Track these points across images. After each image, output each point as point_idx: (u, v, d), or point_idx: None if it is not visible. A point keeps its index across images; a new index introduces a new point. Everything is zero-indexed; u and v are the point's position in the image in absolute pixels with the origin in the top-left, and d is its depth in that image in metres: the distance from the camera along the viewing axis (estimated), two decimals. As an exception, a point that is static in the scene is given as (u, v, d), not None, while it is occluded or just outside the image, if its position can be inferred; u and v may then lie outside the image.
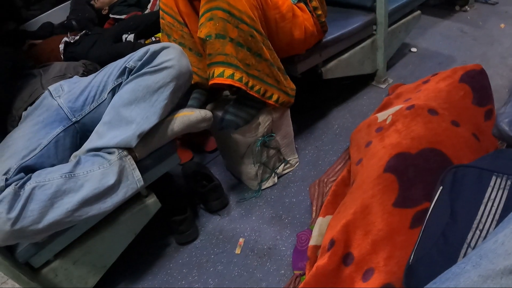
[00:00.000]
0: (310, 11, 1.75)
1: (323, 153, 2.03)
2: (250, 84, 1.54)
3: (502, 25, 3.07)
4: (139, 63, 1.41)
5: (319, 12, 1.77)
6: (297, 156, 1.98)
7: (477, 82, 1.77)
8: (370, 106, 2.23)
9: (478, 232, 0.97)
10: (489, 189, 1.04)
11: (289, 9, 1.64)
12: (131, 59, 1.44)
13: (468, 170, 1.12)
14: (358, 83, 2.55)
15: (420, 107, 1.56)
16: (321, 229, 1.50)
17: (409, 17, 2.66)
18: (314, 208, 1.69)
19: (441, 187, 1.14)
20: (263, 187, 1.88)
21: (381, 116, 1.66)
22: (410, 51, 2.97)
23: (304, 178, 1.91)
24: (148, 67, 1.39)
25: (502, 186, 1.03)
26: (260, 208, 1.82)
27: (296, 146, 2.03)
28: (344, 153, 1.92)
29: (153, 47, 1.41)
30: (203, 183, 1.83)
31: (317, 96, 2.48)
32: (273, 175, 1.89)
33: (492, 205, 1.01)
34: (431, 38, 3.24)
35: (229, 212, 1.84)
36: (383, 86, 2.50)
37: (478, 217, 1.00)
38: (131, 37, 2.48)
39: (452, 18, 3.74)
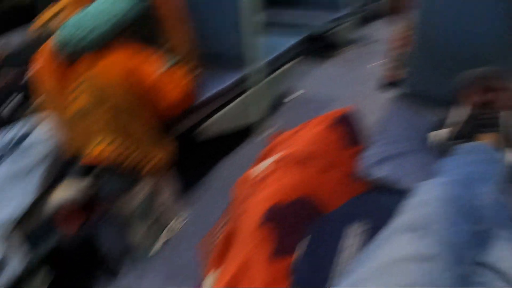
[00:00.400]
0: (180, 77, 1.82)
1: (208, 210, 2.08)
2: (125, 154, 1.58)
3: (376, 63, 3.28)
4: (11, 144, 1.41)
5: (190, 77, 1.84)
6: (184, 214, 2.01)
7: (347, 125, 1.89)
8: (252, 157, 2.29)
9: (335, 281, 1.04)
10: (346, 236, 1.11)
11: (159, 77, 1.70)
12: (3, 140, 1.44)
13: (329, 218, 1.20)
14: (241, 135, 2.62)
15: (292, 157, 1.64)
16: (210, 286, 1.54)
17: (288, 65, 2.80)
18: (204, 264, 1.72)
19: (307, 237, 1.21)
20: (154, 248, 1.89)
21: (257, 169, 1.73)
22: (291, 96, 3.09)
23: (193, 235, 1.93)
24: (19, 147, 1.40)
25: (358, 232, 1.10)
26: (153, 269, 1.83)
27: (183, 203, 2.06)
28: (228, 207, 1.97)
29: (24, 128, 1.42)
30: (96, 249, 1.82)
31: (201, 151, 2.53)
32: (162, 235, 1.91)
33: (349, 252, 1.08)
34: (312, 81, 3.41)
35: (124, 276, 1.83)
36: (265, 135, 2.60)
37: (336, 265, 1.07)
38: (18, 98, 2.42)
39: (330, 62, 3.97)
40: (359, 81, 3.38)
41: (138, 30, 1.71)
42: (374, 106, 2.61)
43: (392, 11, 2.41)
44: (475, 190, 1.00)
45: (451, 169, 1.11)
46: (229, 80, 2.25)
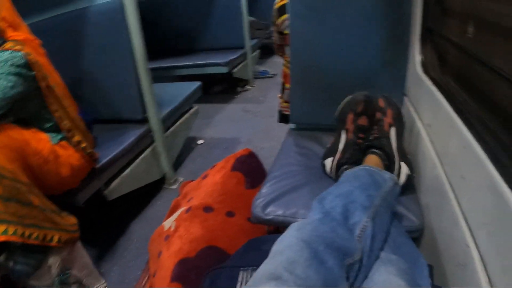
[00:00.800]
0: (73, 146, 1.82)
1: (128, 270, 2.05)
2: (26, 234, 1.55)
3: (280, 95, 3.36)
4: None
5: (83, 145, 1.84)
6: (103, 281, 1.97)
7: (247, 166, 1.94)
8: (166, 210, 2.29)
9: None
10: (238, 285, 1.11)
11: (50, 151, 1.69)
12: None
13: (221, 270, 1.20)
14: (151, 189, 2.61)
15: (197, 208, 1.68)
16: None
17: (187, 115, 2.84)
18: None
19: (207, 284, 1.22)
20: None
21: (167, 223, 1.74)
22: (197, 144, 3.12)
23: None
24: None
25: (248, 279, 1.12)
26: None
27: (102, 270, 2.03)
28: (147, 265, 1.97)
29: None
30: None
31: (113, 212, 2.51)
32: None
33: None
34: (217, 125, 3.44)
35: None
36: (175, 186, 2.61)
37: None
38: None
39: (235, 100, 4.00)
40: (266, 115, 3.46)
41: (23, 106, 1.71)
42: (276, 141, 2.69)
43: (276, 48, 2.52)
44: (352, 220, 1.03)
45: (329, 202, 1.11)
46: (130, 138, 2.26)
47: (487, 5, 1.17)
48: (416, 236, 1.33)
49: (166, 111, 2.58)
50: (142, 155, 2.38)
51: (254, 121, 3.47)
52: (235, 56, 4.26)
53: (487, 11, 1.17)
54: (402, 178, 1.41)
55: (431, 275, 1.09)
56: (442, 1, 1.54)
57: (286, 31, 2.05)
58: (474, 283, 0.90)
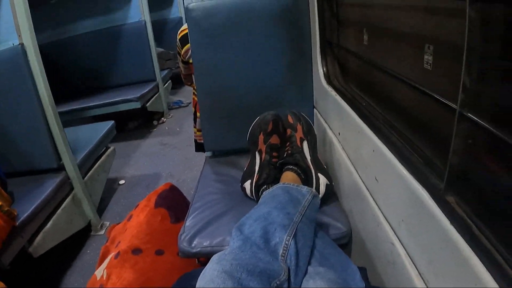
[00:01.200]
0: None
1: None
2: None
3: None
4: None
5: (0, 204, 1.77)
6: None
7: (170, 201, 1.93)
8: (96, 258, 2.20)
9: None
10: None
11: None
12: None
13: None
14: (79, 238, 2.52)
15: (125, 252, 1.65)
16: None
17: (104, 156, 2.79)
18: None
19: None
20: None
21: (99, 272, 1.70)
22: (119, 184, 3.07)
23: None
24: None
25: None
26: None
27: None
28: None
29: None
30: None
31: (42, 268, 2.39)
32: None
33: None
34: (136, 163, 3.39)
35: None
36: (102, 232, 2.54)
37: None
38: None
39: (152, 134, 3.97)
40: (184, 145, 3.45)
41: None
42: (197, 170, 2.67)
43: (184, 78, 2.52)
44: (273, 242, 1.04)
45: (248, 227, 1.11)
46: (47, 189, 2.18)
47: (375, 12, 1.24)
48: (346, 242, 1.38)
49: (81, 155, 2.52)
50: (63, 205, 2.31)
51: (173, 153, 3.45)
52: (147, 90, 4.21)
53: (376, 18, 1.24)
54: (322, 189, 1.45)
55: (365, 277, 1.12)
56: (336, 14, 1.62)
57: (191, 60, 2.04)
58: (406, 277, 0.94)
